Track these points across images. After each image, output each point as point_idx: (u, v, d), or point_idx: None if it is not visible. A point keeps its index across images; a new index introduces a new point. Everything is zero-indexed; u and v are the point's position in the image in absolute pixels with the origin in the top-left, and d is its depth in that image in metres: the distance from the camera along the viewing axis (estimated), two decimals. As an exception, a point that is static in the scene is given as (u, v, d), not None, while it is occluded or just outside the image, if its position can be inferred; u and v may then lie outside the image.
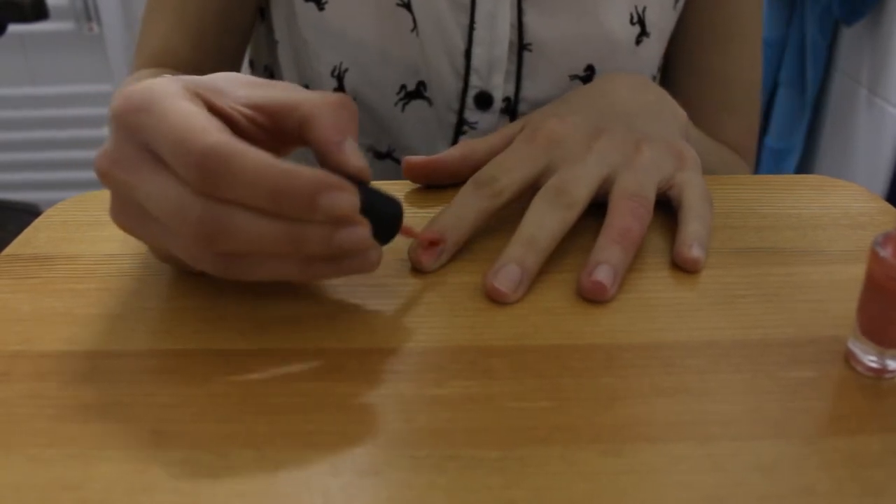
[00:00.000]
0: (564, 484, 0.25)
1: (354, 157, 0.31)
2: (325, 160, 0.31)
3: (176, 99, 0.29)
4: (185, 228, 0.28)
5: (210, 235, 0.28)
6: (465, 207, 0.38)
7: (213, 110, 0.31)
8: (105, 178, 0.30)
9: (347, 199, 0.29)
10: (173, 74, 0.38)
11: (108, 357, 0.31)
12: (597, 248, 0.36)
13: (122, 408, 0.28)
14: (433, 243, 0.36)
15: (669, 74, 0.65)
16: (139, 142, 0.29)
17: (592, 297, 0.34)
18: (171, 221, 0.28)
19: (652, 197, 0.39)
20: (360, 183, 0.31)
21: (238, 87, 0.32)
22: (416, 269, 0.36)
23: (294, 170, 0.28)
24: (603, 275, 0.34)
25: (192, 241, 0.29)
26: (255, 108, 0.32)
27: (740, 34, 0.62)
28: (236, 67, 0.63)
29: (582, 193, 0.38)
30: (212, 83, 0.32)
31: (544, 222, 0.36)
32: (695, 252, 0.36)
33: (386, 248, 0.37)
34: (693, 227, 0.38)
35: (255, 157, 0.28)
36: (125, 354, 0.31)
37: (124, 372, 0.30)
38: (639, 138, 0.42)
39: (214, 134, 0.28)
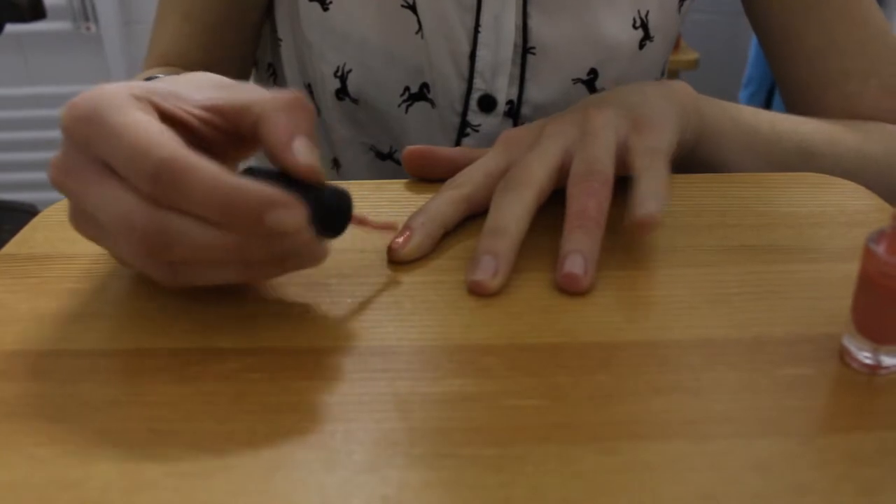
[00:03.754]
0: (561, 482, 0.25)
1: (304, 156, 0.31)
2: (275, 160, 0.31)
3: (124, 109, 0.29)
4: (131, 237, 0.29)
5: (155, 244, 0.29)
6: (431, 200, 0.39)
7: (165, 115, 0.31)
8: (59, 187, 0.31)
9: (294, 216, 0.29)
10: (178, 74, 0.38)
11: (104, 356, 0.31)
12: (562, 240, 0.35)
13: (118, 407, 0.28)
14: (399, 229, 0.37)
15: (778, 70, 0.60)
16: (88, 153, 0.29)
17: (569, 290, 0.34)
18: (119, 230, 0.29)
19: (607, 167, 0.38)
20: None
21: (197, 89, 0.32)
22: (395, 261, 0.37)
23: (244, 186, 0.28)
24: (572, 265, 0.34)
25: (139, 250, 0.29)
26: (212, 110, 0.32)
27: None
28: (246, 67, 0.63)
29: (535, 172, 0.38)
30: (168, 87, 0.32)
31: (504, 208, 0.37)
32: (646, 207, 0.35)
33: (382, 246, 0.37)
34: (642, 187, 0.36)
35: (208, 171, 0.28)
36: (122, 353, 0.31)
37: (121, 371, 0.30)
38: (587, 108, 0.41)
39: (168, 146, 0.28)
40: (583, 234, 0.35)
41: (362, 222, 0.34)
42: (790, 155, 0.49)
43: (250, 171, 0.30)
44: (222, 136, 0.33)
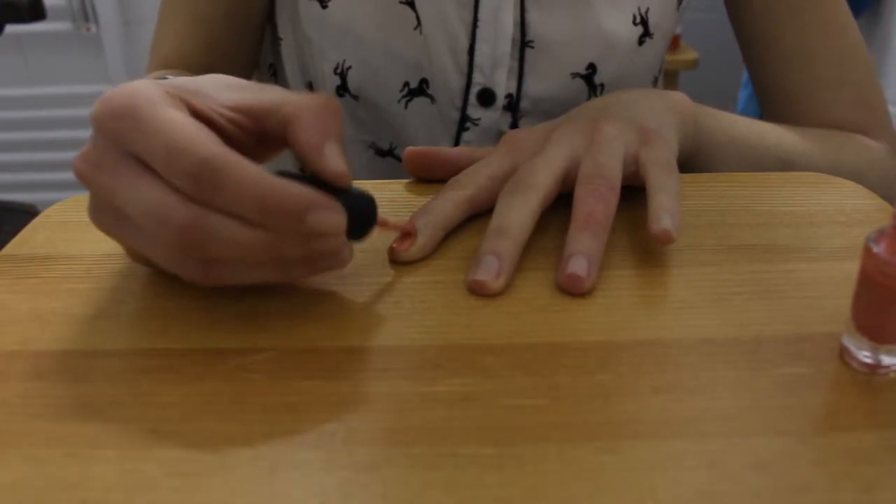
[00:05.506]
0: (560, 481, 0.25)
1: (334, 161, 0.31)
2: (305, 163, 0.32)
3: (161, 106, 0.29)
4: (167, 234, 0.29)
5: (193, 241, 0.29)
6: (433, 200, 0.39)
7: (197, 114, 0.31)
8: (85, 181, 0.31)
9: (334, 219, 0.29)
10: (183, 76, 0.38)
11: (104, 356, 0.31)
12: (567, 241, 0.35)
13: (118, 407, 0.28)
14: (407, 234, 0.37)
15: (754, 72, 0.62)
16: (122, 148, 0.29)
17: (571, 291, 0.34)
18: (153, 227, 0.29)
19: (615, 174, 0.38)
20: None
21: (222, 90, 0.33)
22: (397, 263, 0.37)
23: (284, 186, 0.28)
24: (576, 266, 0.34)
25: (173, 247, 0.29)
26: (239, 110, 0.32)
27: (809, 6, 0.57)
28: (249, 68, 0.64)
29: (542, 176, 0.38)
30: (195, 86, 0.32)
31: (509, 210, 0.37)
32: (664, 223, 0.35)
33: (381, 245, 0.37)
34: (658, 200, 0.36)
35: (249, 170, 0.28)
36: (122, 354, 0.31)
37: (121, 371, 0.30)
38: (598, 118, 0.41)
39: (209, 145, 0.28)
40: (589, 236, 0.35)
41: (385, 224, 0.35)
42: (773, 166, 0.51)
43: (280, 174, 0.31)
44: (248, 136, 0.33)
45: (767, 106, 0.62)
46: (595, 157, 0.38)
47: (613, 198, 0.37)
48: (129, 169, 0.29)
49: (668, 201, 0.36)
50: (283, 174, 0.30)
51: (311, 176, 0.31)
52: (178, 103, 0.30)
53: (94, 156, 0.30)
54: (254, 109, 0.32)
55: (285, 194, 0.28)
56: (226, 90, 0.33)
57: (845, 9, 0.58)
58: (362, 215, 0.33)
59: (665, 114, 0.44)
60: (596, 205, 0.36)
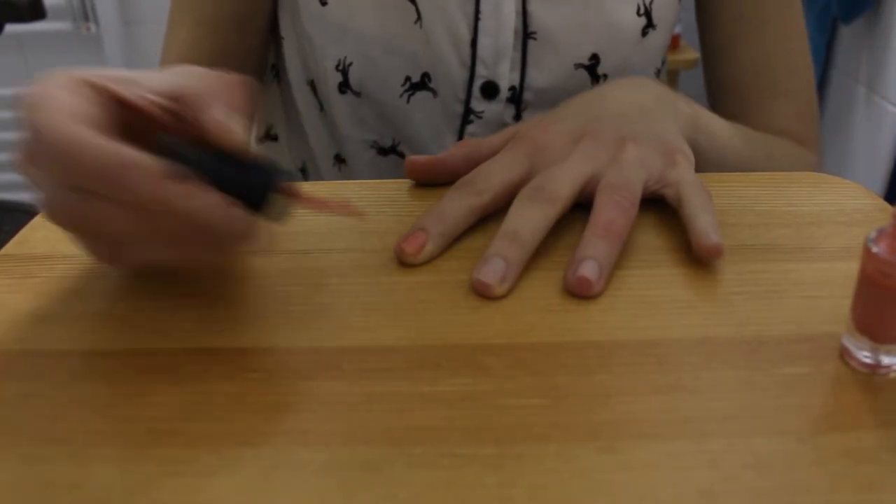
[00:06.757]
0: (560, 481, 0.25)
1: (226, 128, 0.31)
2: (203, 135, 0.31)
3: (48, 99, 0.30)
4: (61, 224, 0.31)
5: (72, 224, 0.31)
6: (448, 205, 0.39)
7: (123, 102, 0.31)
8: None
9: (138, 178, 0.28)
10: None
11: (103, 356, 0.31)
12: (581, 243, 0.36)
13: (118, 407, 0.28)
14: (331, 206, 0.34)
15: (711, 69, 0.64)
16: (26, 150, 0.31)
17: (578, 293, 0.34)
18: (49, 217, 0.31)
19: (637, 191, 0.39)
20: (226, 153, 0.31)
21: (154, 77, 0.33)
22: (404, 263, 0.36)
23: (93, 146, 0.28)
24: (587, 270, 0.34)
25: (72, 234, 0.31)
26: (162, 94, 0.32)
27: (775, 17, 0.60)
28: (260, 69, 0.64)
29: (563, 189, 0.38)
30: (123, 75, 0.33)
31: (525, 217, 0.37)
32: (714, 238, 0.36)
33: (382, 245, 0.37)
34: (703, 218, 0.37)
35: (74, 139, 0.28)
36: (120, 354, 0.31)
37: (119, 371, 0.30)
38: (624, 136, 0.41)
39: (69, 126, 0.28)
40: (605, 244, 0.35)
41: (299, 197, 0.32)
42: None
43: (170, 146, 0.30)
44: (178, 121, 0.32)
45: (715, 102, 0.64)
46: (621, 171, 0.39)
47: (633, 212, 0.38)
48: (36, 170, 0.31)
49: (712, 220, 0.38)
50: (168, 144, 0.30)
51: (207, 149, 0.31)
52: (78, 89, 0.30)
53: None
54: (173, 92, 0.33)
55: (92, 154, 0.28)
56: (161, 77, 0.33)
57: (803, 24, 0.62)
58: (258, 187, 0.31)
59: (675, 128, 0.45)
60: (617, 215, 0.37)
